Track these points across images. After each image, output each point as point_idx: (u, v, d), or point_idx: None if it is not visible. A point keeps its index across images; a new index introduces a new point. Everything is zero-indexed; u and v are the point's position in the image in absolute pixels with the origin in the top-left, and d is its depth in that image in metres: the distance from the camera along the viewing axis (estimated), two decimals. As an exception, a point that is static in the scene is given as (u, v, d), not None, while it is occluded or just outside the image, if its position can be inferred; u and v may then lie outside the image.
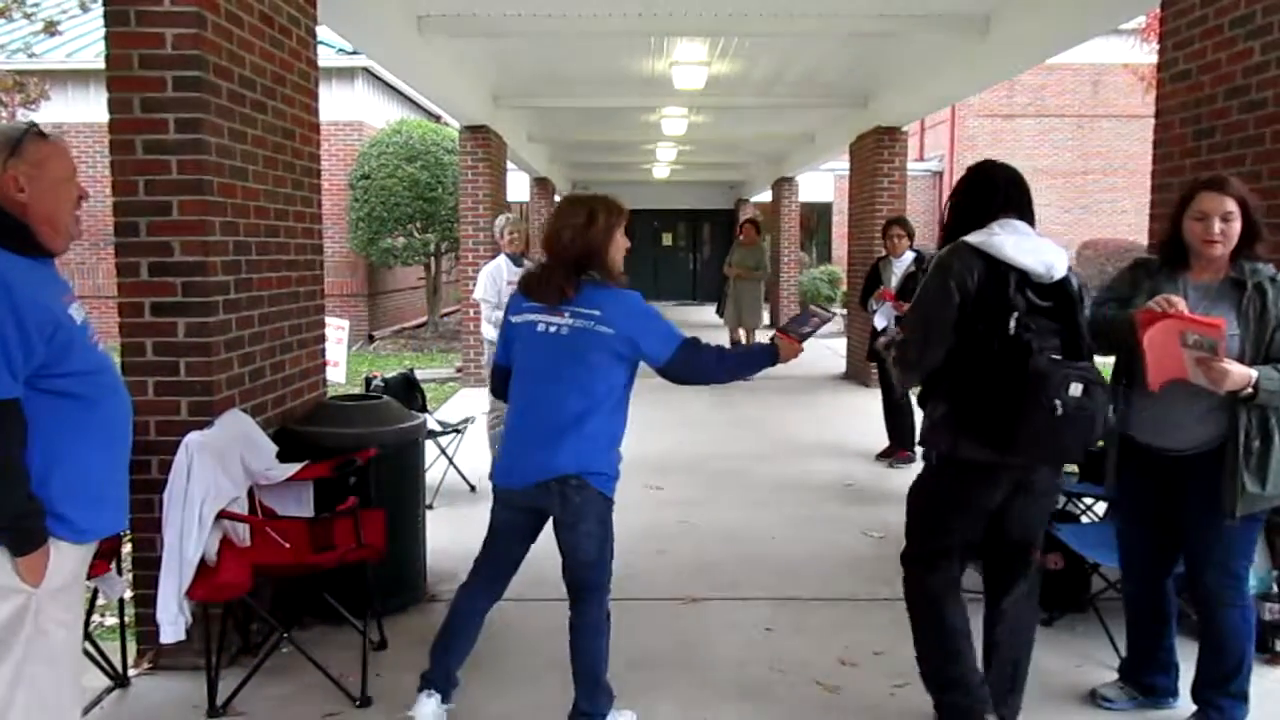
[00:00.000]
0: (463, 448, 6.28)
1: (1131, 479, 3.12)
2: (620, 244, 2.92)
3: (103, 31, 3.31)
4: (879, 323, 6.39)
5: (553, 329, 2.82)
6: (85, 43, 14.10)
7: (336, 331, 6.51)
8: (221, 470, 3.21)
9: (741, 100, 10.50)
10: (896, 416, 6.84)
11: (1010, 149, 21.49)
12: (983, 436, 2.72)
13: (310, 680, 3.34)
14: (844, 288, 15.71)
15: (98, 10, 10.83)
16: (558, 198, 19.50)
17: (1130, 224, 20.93)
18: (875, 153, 10.22)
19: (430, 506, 5.04)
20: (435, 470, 5.68)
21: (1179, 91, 4.16)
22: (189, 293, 3.33)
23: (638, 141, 14.69)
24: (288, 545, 3.31)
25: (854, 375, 10.88)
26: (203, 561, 3.11)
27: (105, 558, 2.95)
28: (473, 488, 6.02)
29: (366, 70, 14.66)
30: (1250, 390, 2.70)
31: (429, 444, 4.90)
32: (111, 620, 3.74)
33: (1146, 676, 3.25)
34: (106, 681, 3.32)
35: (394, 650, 3.66)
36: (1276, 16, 3.57)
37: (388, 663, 3.54)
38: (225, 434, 3.33)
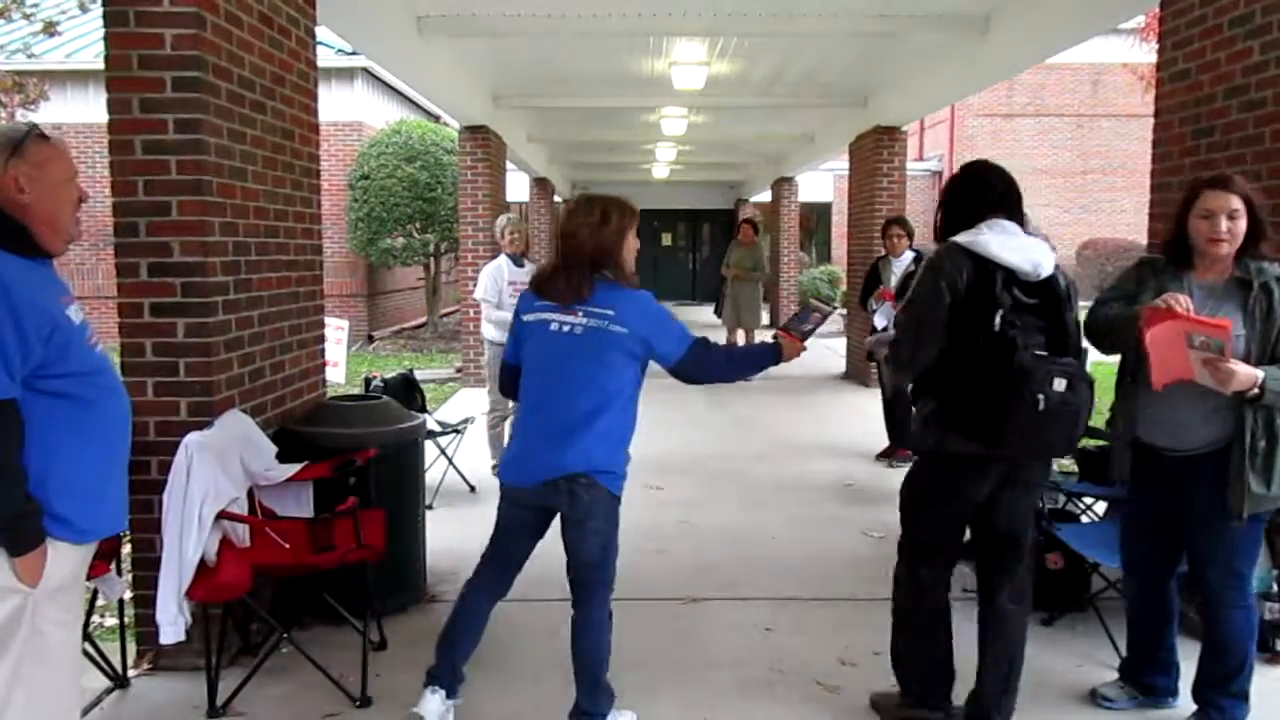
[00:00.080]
0: (462, 448, 6.28)
1: (1135, 479, 3.12)
2: (631, 244, 2.95)
3: (102, 32, 3.31)
4: (879, 322, 6.39)
5: (566, 328, 2.84)
6: (84, 43, 14.10)
7: (336, 332, 6.51)
8: (221, 471, 3.21)
9: (741, 100, 10.51)
10: (895, 415, 6.83)
11: (1009, 148, 21.50)
12: (969, 431, 2.79)
13: (310, 680, 3.33)
14: (844, 287, 15.71)
15: (97, 11, 10.86)
16: (557, 198, 19.59)
17: (1130, 224, 20.93)
18: (875, 152, 10.22)
19: (430, 507, 5.04)
20: (435, 470, 5.68)
21: (1178, 91, 4.15)
22: (188, 293, 3.33)
23: (637, 141, 14.70)
24: (287, 545, 3.31)
25: (854, 375, 10.88)
26: (202, 562, 3.10)
27: (105, 558, 2.95)
28: (472, 488, 6.02)
29: (366, 70, 14.66)
30: (1256, 391, 2.70)
31: (429, 444, 4.90)
32: (111, 621, 3.74)
33: (1147, 676, 3.24)
34: (106, 682, 3.32)
35: (394, 650, 3.66)
36: (1276, 16, 3.57)
37: (387, 663, 3.54)
38: (225, 434, 3.33)
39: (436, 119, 16.30)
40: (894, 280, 6.65)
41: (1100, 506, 4.45)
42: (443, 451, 6.05)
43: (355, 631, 3.45)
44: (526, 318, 2.94)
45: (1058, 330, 2.84)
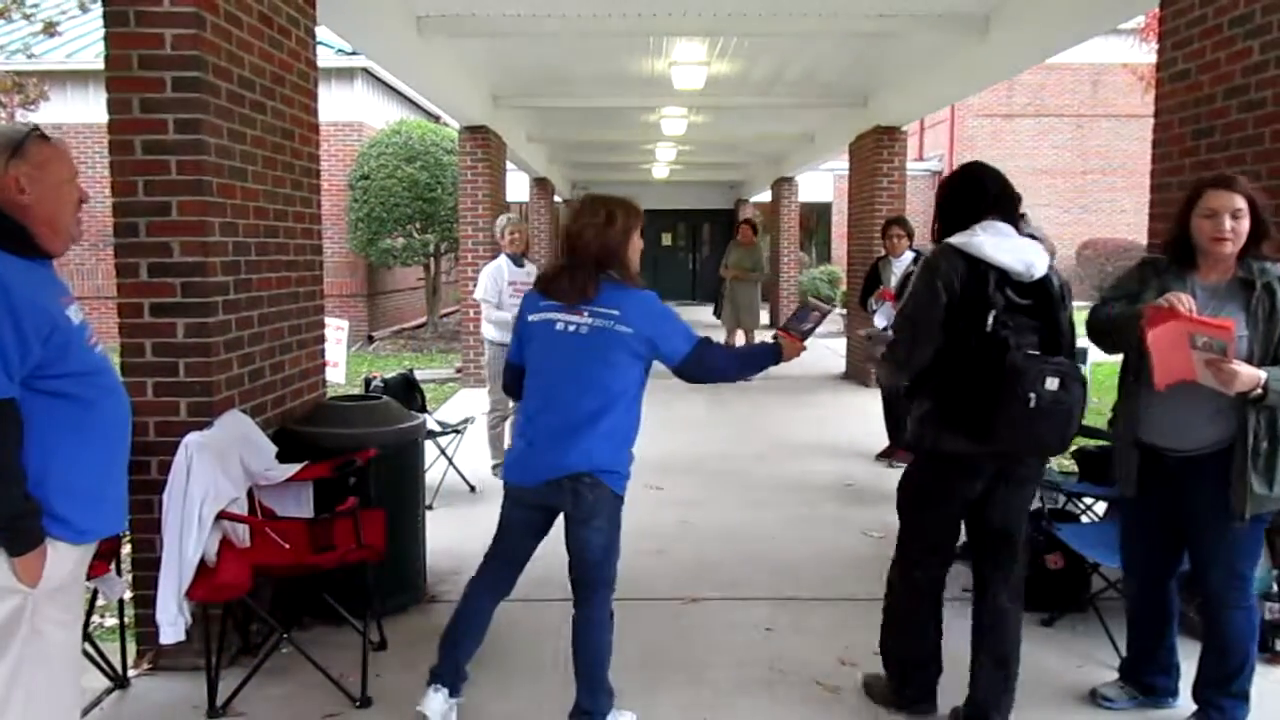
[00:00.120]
0: (462, 448, 6.28)
1: (1138, 479, 3.11)
2: (636, 245, 2.97)
3: (102, 32, 3.31)
4: (879, 322, 6.38)
5: (572, 327, 2.85)
6: (84, 43, 14.10)
7: (336, 332, 6.50)
8: (221, 471, 3.20)
9: (741, 100, 10.50)
10: (895, 415, 6.84)
11: (1009, 149, 21.51)
12: (963, 429, 2.84)
13: (310, 680, 3.33)
14: (844, 287, 15.71)
15: (97, 11, 10.87)
16: (557, 198, 19.58)
17: (1130, 224, 20.94)
18: (875, 152, 10.21)
19: (430, 507, 5.04)
20: (435, 470, 5.68)
21: (1178, 91, 4.15)
22: (188, 293, 3.33)
23: (637, 141, 14.69)
24: (287, 546, 3.31)
25: (854, 375, 10.88)
26: (202, 562, 3.10)
27: (105, 558, 2.95)
28: (472, 488, 6.02)
29: (366, 71, 14.66)
30: (1259, 392, 2.69)
31: (429, 444, 4.90)
32: (111, 621, 3.74)
33: (1147, 676, 3.24)
34: (106, 682, 3.32)
35: (394, 650, 3.66)
36: (1275, 16, 3.57)
37: (387, 663, 3.54)
38: (225, 434, 3.33)
39: (436, 119, 16.30)
40: (894, 280, 6.64)
41: (1100, 506, 4.45)
42: (443, 451, 6.05)
43: (355, 631, 3.45)
44: (531, 317, 2.95)
45: (1051, 330, 2.89)
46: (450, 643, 2.97)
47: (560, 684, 3.10)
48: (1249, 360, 2.73)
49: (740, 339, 11.21)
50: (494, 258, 6.38)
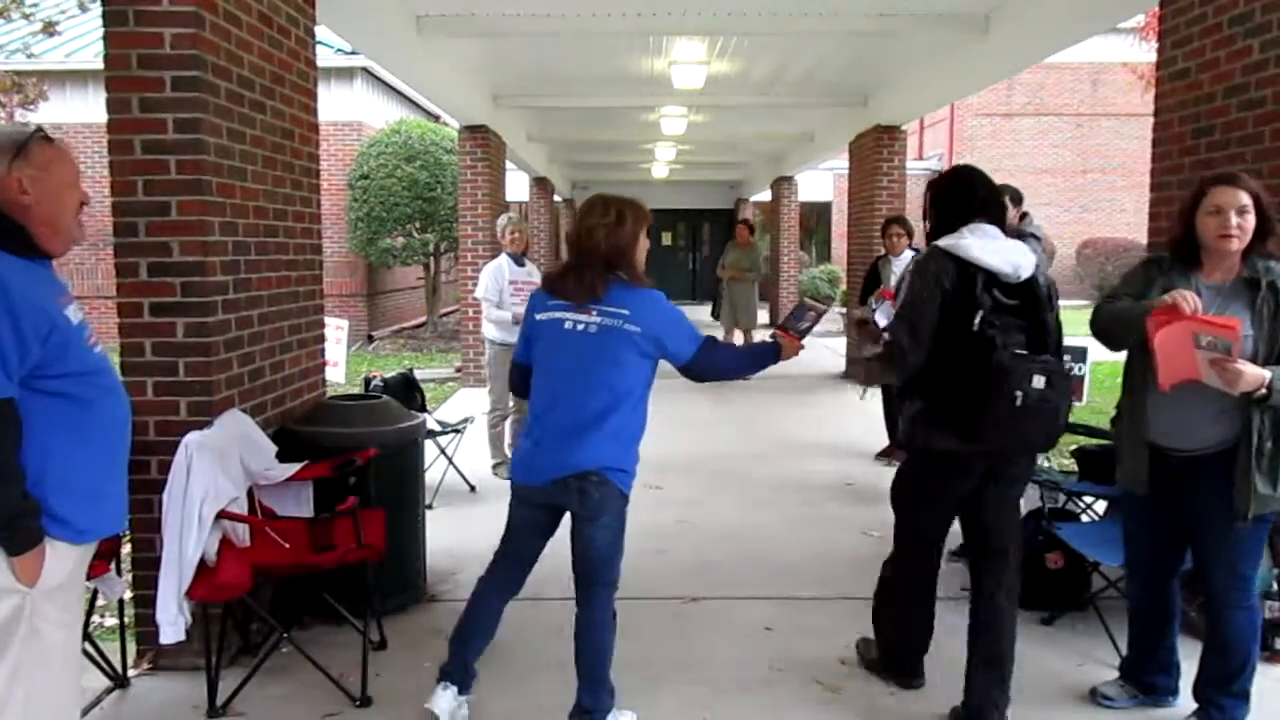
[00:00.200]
0: (462, 448, 6.28)
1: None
2: (643, 245, 2.99)
3: (101, 31, 3.31)
4: (880, 322, 6.38)
5: (580, 327, 2.86)
6: (84, 43, 14.08)
7: (336, 331, 6.50)
8: (221, 470, 3.20)
9: (741, 100, 10.50)
10: (895, 415, 6.83)
11: (1009, 148, 21.52)
12: (953, 427, 2.91)
13: (310, 680, 3.33)
14: (843, 287, 15.72)
15: (96, 10, 10.84)
16: (557, 198, 19.58)
17: (1129, 223, 20.94)
18: (874, 152, 10.21)
19: (430, 506, 5.03)
20: (435, 470, 5.68)
21: (1178, 90, 4.15)
22: (188, 293, 3.33)
23: (637, 141, 14.69)
24: (287, 545, 3.31)
25: (854, 375, 10.87)
26: (202, 562, 3.10)
27: (105, 558, 2.95)
28: (472, 488, 6.02)
29: (365, 70, 14.65)
30: (1264, 391, 2.68)
31: (429, 444, 4.90)
32: (111, 621, 3.74)
33: (1147, 675, 3.24)
34: (106, 682, 3.32)
35: (394, 650, 3.66)
36: (1275, 15, 3.57)
37: (387, 663, 3.54)
38: (225, 434, 3.33)
39: (436, 119, 16.30)
40: (894, 279, 6.63)
41: (1100, 506, 4.45)
42: (443, 451, 6.04)
43: (355, 631, 3.45)
44: (539, 316, 2.95)
45: (1038, 330, 2.95)
46: (460, 641, 3.00)
47: (561, 682, 3.10)
48: (1254, 360, 2.73)
49: (739, 338, 11.22)
50: (494, 257, 6.38)
